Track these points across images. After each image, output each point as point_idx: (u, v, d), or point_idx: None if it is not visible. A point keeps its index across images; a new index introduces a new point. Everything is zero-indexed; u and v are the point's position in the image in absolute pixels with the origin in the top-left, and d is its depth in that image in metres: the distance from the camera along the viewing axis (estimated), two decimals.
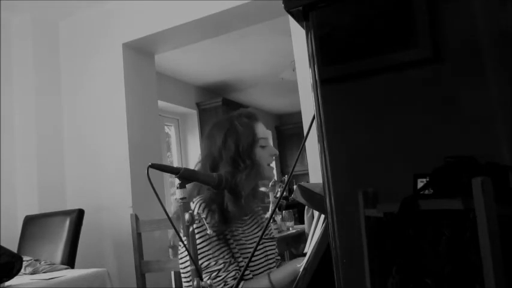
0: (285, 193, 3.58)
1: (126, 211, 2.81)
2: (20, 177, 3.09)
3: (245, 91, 5.85)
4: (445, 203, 0.55)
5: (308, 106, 2.40)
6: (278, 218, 3.31)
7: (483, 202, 0.49)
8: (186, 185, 1.08)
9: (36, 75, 3.16)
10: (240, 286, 1.30)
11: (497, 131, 0.59)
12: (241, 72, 5.12)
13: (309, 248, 1.15)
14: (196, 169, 1.38)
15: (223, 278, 1.28)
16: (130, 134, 3.05)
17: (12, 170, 3.05)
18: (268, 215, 2.31)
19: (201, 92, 5.51)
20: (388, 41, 0.66)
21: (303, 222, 3.24)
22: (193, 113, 5.35)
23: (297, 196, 1.09)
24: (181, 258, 1.40)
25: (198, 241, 1.29)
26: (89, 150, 3.17)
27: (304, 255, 1.18)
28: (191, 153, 5.27)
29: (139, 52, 3.27)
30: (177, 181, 1.06)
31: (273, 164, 1.49)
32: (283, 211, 3.34)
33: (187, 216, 1.03)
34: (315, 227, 1.17)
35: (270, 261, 1.47)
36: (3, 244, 1.81)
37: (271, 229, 1.65)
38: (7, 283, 1.76)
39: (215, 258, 1.30)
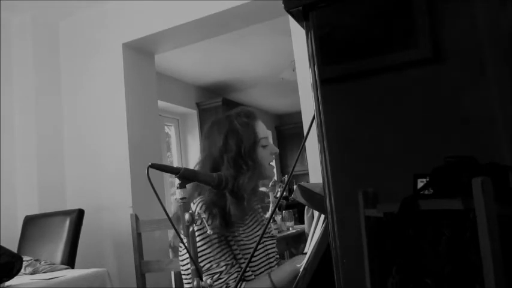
0: (285, 193, 3.59)
1: (126, 211, 2.81)
2: (20, 177, 3.09)
3: (245, 91, 5.85)
4: (445, 203, 0.55)
5: (308, 106, 2.40)
6: (278, 218, 3.31)
7: (483, 202, 0.49)
8: (186, 186, 1.07)
9: (36, 75, 3.16)
10: (242, 287, 1.29)
11: (497, 131, 0.59)
12: (241, 72, 5.12)
13: (309, 248, 1.15)
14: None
15: (225, 280, 1.28)
16: (131, 134, 3.05)
17: (12, 170, 3.05)
18: (268, 215, 2.31)
19: (201, 92, 5.51)
20: (388, 41, 0.66)
21: (303, 222, 3.24)
22: (193, 113, 5.35)
23: (297, 196, 1.09)
24: (182, 258, 1.40)
25: (199, 243, 1.29)
26: (89, 150, 3.17)
27: (304, 255, 1.18)
28: (191, 153, 5.27)
29: (139, 52, 3.27)
30: (177, 181, 1.06)
31: (273, 163, 1.48)
32: (283, 211, 3.34)
33: (187, 216, 1.03)
34: (315, 227, 1.17)
35: (271, 260, 1.47)
36: (3, 244, 1.81)
37: (271, 228, 1.65)
38: (7, 283, 1.76)
39: (217, 261, 1.29)
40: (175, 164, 5.21)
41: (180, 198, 1.05)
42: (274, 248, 1.52)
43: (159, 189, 3.17)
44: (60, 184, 3.20)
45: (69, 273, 2.06)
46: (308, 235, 1.25)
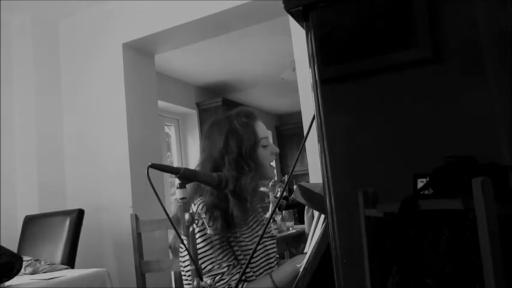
0: (285, 193, 3.59)
1: (126, 211, 2.81)
2: (20, 177, 3.09)
3: (245, 91, 5.85)
4: (445, 203, 0.55)
5: (308, 106, 2.40)
6: (278, 218, 3.31)
7: (483, 202, 0.49)
8: (187, 188, 1.07)
9: (36, 75, 3.16)
10: (243, 287, 1.29)
11: (497, 131, 0.59)
12: (241, 72, 5.12)
13: (309, 248, 1.15)
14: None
15: (226, 281, 1.27)
16: (131, 134, 3.05)
17: (12, 170, 3.05)
18: (268, 215, 2.31)
19: (201, 92, 5.51)
20: (388, 41, 0.66)
21: (303, 222, 3.24)
22: (193, 113, 5.35)
23: (297, 196, 1.09)
24: (183, 260, 1.39)
25: (200, 244, 1.28)
26: (89, 150, 3.17)
27: (305, 255, 1.18)
28: (191, 153, 5.27)
29: (139, 52, 3.27)
30: (177, 181, 1.06)
31: (273, 163, 1.48)
32: (283, 211, 3.34)
33: (187, 216, 1.02)
34: (315, 227, 1.17)
35: (271, 260, 1.46)
36: (3, 244, 1.81)
37: (271, 228, 1.65)
38: (7, 283, 1.76)
39: (218, 262, 1.29)
40: (175, 164, 5.21)
41: (180, 198, 1.05)
42: (274, 248, 1.52)
43: (159, 189, 3.17)
44: (60, 184, 3.20)
45: (69, 273, 2.06)
46: (308, 235, 1.25)
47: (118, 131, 3.06)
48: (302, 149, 0.99)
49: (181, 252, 1.40)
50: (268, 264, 1.44)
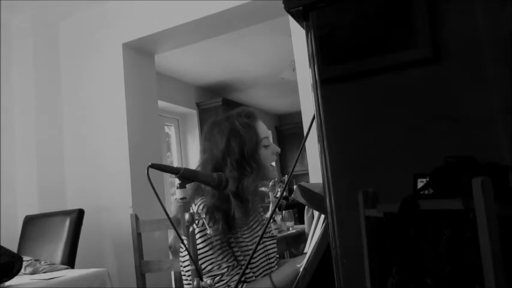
0: (285, 193, 3.58)
1: (126, 211, 2.81)
2: (20, 177, 3.09)
3: (245, 91, 5.85)
4: (445, 203, 0.55)
5: (308, 106, 2.40)
6: (278, 218, 3.31)
7: (483, 202, 0.49)
8: (187, 188, 1.07)
9: (36, 75, 3.16)
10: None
11: (497, 131, 0.59)
12: (241, 72, 5.12)
13: (309, 248, 1.15)
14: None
15: (226, 282, 1.27)
16: (130, 134, 3.05)
17: (12, 170, 3.05)
18: (268, 215, 2.31)
19: (201, 92, 5.51)
20: (388, 41, 0.66)
21: (303, 222, 3.24)
22: (193, 113, 5.35)
23: (297, 196, 1.09)
24: (183, 260, 1.39)
25: (200, 245, 1.28)
26: (89, 150, 3.17)
27: (305, 255, 1.18)
28: (191, 153, 5.27)
29: (139, 52, 3.27)
30: (177, 181, 1.06)
31: (274, 163, 1.48)
32: (283, 211, 3.34)
33: (187, 216, 1.02)
34: (315, 227, 1.17)
35: (271, 260, 1.46)
36: (3, 244, 1.81)
37: (271, 228, 1.64)
38: (7, 283, 1.76)
39: (218, 262, 1.29)
40: (175, 164, 5.21)
41: (180, 198, 1.05)
42: (274, 248, 1.52)
43: (159, 189, 3.17)
44: (60, 184, 3.20)
45: (69, 273, 2.06)
46: (308, 235, 1.25)
47: (118, 131, 3.06)
48: (302, 149, 0.99)
49: (181, 252, 1.40)
50: (268, 264, 1.44)
